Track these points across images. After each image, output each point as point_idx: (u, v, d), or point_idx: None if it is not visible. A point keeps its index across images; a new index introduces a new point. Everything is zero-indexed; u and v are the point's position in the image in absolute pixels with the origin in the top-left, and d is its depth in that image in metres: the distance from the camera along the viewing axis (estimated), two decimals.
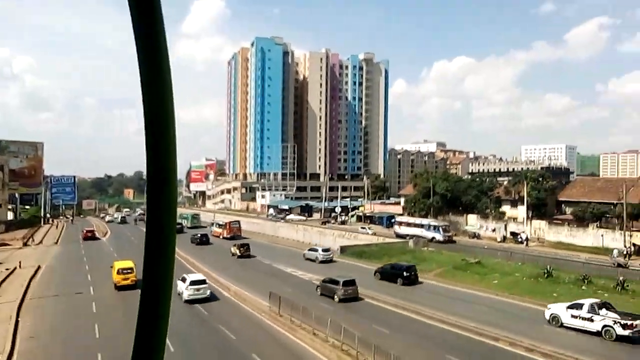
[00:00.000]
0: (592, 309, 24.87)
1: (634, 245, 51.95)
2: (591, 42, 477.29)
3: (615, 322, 23.91)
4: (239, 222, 73.38)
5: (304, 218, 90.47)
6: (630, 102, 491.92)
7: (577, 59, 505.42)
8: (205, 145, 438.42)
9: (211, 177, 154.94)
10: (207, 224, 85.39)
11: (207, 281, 33.63)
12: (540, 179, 69.19)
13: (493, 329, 24.98)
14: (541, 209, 66.06)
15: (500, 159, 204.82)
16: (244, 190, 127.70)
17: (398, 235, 64.37)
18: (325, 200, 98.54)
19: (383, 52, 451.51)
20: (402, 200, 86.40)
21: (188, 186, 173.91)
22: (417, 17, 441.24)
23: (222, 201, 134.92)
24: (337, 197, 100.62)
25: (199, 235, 63.81)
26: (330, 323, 23.26)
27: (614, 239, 54.25)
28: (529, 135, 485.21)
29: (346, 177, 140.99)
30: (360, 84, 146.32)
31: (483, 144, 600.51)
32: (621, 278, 34.41)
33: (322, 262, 47.76)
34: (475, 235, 65.73)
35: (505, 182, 75.83)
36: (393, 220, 72.91)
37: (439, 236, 60.93)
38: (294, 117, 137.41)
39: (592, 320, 24.61)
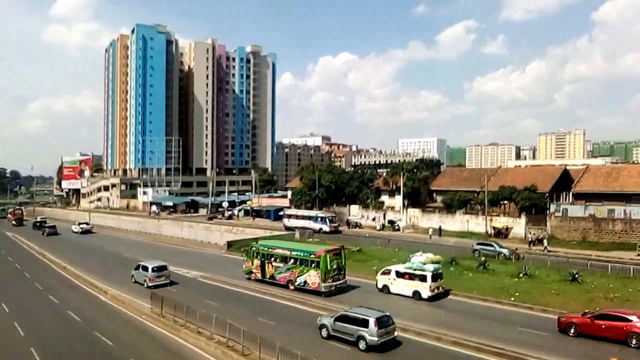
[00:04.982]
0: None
1: (494, 228, 58.29)
2: (459, 43, 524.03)
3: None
4: (21, 209, 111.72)
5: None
6: (491, 99, 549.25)
7: (447, 59, 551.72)
8: (80, 139, 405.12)
9: (87, 173, 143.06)
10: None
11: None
12: (415, 170, 74.59)
13: None
14: (416, 198, 71.32)
15: (381, 152, 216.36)
16: (123, 187, 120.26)
17: (287, 228, 65.21)
18: (212, 196, 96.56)
19: (270, 46, 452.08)
20: (289, 193, 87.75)
21: (59, 184, 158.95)
22: (303, 12, 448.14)
23: (99, 199, 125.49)
24: (224, 192, 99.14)
25: None
26: (216, 320, 23.06)
27: (477, 224, 60.46)
28: (405, 128, 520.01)
29: (234, 171, 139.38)
30: (248, 76, 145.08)
31: (365, 137, 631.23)
32: (482, 259, 38.71)
33: (82, 232, 75.37)
34: (357, 225, 69.04)
35: (384, 174, 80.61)
36: (281, 213, 73.79)
37: (325, 227, 63.05)
38: (179, 110, 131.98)
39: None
